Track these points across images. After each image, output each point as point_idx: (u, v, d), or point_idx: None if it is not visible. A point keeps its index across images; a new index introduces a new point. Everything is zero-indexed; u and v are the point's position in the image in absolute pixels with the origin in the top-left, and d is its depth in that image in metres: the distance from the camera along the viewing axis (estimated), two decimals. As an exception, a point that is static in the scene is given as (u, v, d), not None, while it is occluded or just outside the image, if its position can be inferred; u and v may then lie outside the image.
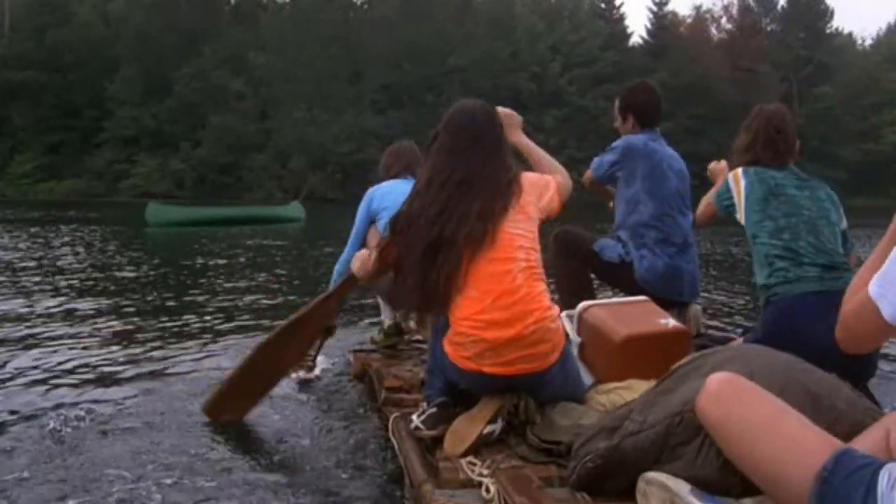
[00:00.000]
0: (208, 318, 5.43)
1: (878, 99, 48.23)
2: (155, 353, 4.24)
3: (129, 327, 5.07)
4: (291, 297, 6.50)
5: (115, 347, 4.38)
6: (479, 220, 2.25)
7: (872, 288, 1.33)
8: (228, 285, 7.44)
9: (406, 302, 2.44)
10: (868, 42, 60.83)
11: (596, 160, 3.61)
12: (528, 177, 2.46)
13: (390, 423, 2.56)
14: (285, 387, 3.37)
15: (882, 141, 46.88)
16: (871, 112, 48.11)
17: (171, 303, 6.21)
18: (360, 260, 2.67)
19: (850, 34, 59.59)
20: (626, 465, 1.82)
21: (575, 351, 2.59)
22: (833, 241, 2.61)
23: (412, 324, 3.38)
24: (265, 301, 6.38)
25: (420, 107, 42.72)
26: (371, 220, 3.76)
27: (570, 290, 3.19)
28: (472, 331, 2.23)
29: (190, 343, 4.53)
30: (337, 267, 3.80)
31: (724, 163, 3.25)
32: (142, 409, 3.15)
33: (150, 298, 6.46)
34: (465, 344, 2.25)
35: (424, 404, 2.46)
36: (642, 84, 3.67)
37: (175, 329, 5.01)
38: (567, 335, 2.45)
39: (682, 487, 1.66)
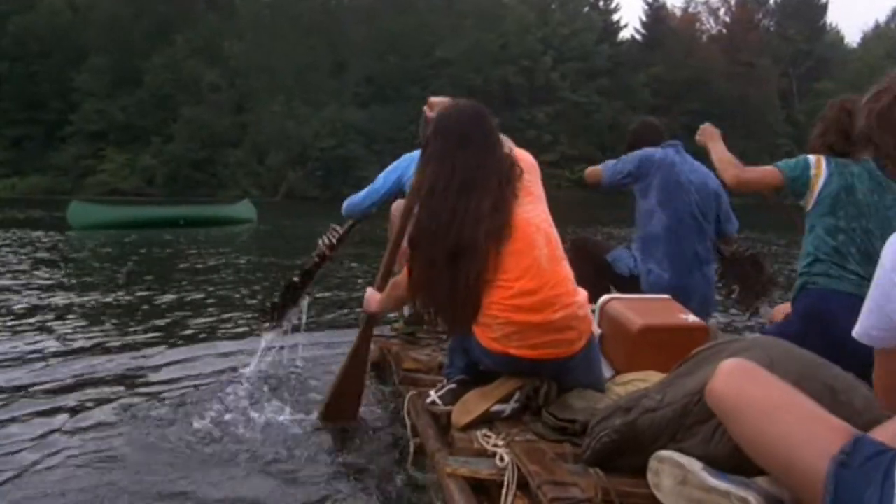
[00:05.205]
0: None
1: (881, 95, 48.69)
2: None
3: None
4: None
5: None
6: (496, 212, 2.35)
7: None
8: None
9: (440, 312, 2.49)
10: (859, 38, 61.53)
11: (609, 165, 3.81)
12: (522, 156, 2.56)
13: (406, 400, 2.66)
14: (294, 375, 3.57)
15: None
16: (872, 108, 48.49)
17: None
18: (371, 299, 2.91)
19: (838, 31, 60.39)
20: (641, 442, 1.91)
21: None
22: None
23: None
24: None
25: (405, 101, 42.65)
26: (401, 185, 3.69)
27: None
28: (501, 313, 2.34)
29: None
30: (346, 202, 3.79)
31: (710, 126, 3.29)
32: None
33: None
34: (492, 326, 2.35)
35: (444, 381, 2.56)
36: (643, 124, 3.98)
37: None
38: None
39: (694, 465, 1.75)
